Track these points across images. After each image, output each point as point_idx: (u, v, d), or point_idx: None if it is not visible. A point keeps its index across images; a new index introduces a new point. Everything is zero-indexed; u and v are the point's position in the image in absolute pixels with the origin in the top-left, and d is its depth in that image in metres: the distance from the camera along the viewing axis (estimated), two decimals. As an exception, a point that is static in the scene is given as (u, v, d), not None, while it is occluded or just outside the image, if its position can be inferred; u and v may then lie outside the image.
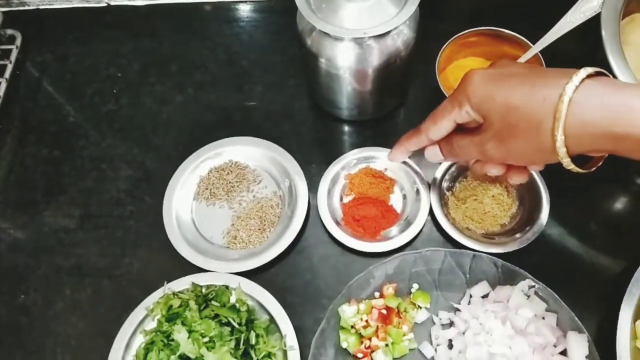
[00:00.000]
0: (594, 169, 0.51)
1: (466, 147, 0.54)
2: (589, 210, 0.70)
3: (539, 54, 0.68)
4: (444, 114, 0.55)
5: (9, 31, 0.86)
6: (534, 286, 0.61)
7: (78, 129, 0.79)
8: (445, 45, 0.71)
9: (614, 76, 0.61)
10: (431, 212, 0.68)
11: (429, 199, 0.68)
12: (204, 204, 0.72)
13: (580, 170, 0.49)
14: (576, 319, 0.59)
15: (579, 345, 0.58)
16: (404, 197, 0.71)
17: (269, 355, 0.61)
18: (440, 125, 0.56)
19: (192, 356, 0.57)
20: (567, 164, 0.47)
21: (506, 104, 0.48)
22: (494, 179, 0.69)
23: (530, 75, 0.48)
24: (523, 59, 0.68)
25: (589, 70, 0.45)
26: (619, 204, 0.71)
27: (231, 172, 0.74)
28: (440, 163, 0.69)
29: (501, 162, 0.55)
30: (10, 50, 0.85)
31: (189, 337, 0.58)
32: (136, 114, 0.79)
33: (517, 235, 0.66)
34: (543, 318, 0.60)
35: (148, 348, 0.60)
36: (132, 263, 0.70)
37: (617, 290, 0.62)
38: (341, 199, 0.71)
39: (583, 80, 0.45)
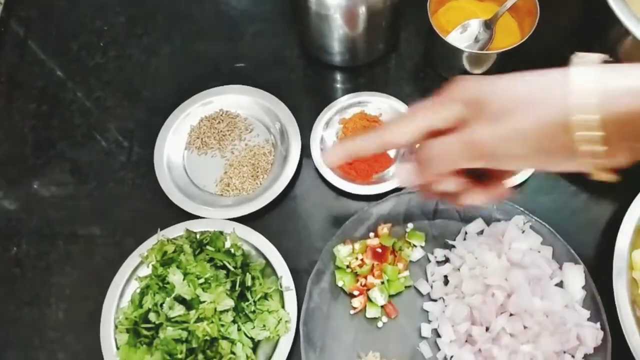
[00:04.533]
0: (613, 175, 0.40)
1: (448, 143, 0.41)
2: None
3: (532, -8, 0.67)
4: (419, 113, 0.43)
5: (-8, -12, 0.85)
6: (528, 221, 0.61)
7: (65, 83, 0.78)
8: (436, -14, 0.70)
9: (614, 15, 0.60)
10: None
11: (422, 141, 0.67)
12: (196, 153, 0.72)
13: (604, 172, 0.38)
14: (572, 251, 0.59)
15: (575, 276, 0.58)
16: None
17: (265, 296, 0.61)
18: (412, 124, 0.43)
19: (187, 297, 0.57)
20: (590, 139, 0.35)
21: (506, 84, 0.39)
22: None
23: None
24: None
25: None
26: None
27: (222, 121, 0.73)
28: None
29: (488, 163, 0.40)
30: (-7, 8, 0.83)
31: (184, 279, 0.57)
32: (124, 66, 0.78)
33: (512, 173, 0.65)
34: (539, 252, 0.60)
35: (143, 292, 0.59)
36: (125, 213, 0.69)
37: (613, 225, 0.62)
38: (334, 143, 0.70)
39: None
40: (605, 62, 0.37)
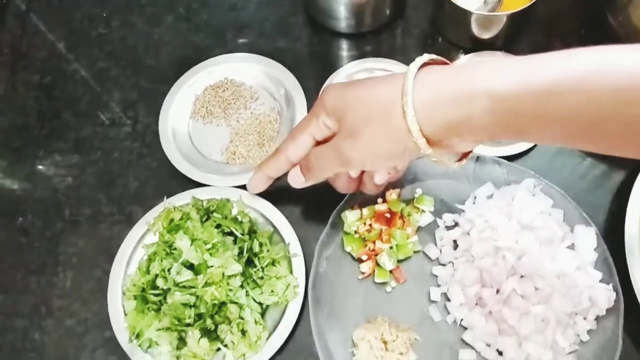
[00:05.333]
0: (463, 161, 0.48)
1: (323, 154, 0.50)
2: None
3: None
4: (302, 129, 0.52)
5: (-8, -40, 0.84)
6: (539, 184, 0.60)
7: (69, 53, 0.77)
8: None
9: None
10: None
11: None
12: (201, 122, 0.71)
13: (442, 160, 0.46)
14: (583, 213, 0.58)
15: (586, 238, 0.57)
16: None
17: (273, 262, 0.60)
18: (299, 141, 0.52)
19: (195, 262, 0.56)
20: (424, 146, 0.43)
21: (358, 96, 0.47)
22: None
23: (377, 77, 0.48)
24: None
25: (431, 55, 0.45)
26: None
27: (227, 89, 0.72)
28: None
29: (359, 169, 0.53)
30: (-6, -21, 0.82)
31: (191, 245, 0.57)
32: (127, 36, 0.77)
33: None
34: (549, 215, 0.59)
35: (151, 258, 0.59)
36: (131, 182, 0.68)
37: (625, 187, 0.61)
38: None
39: (425, 63, 0.44)
40: (433, 60, 0.45)
